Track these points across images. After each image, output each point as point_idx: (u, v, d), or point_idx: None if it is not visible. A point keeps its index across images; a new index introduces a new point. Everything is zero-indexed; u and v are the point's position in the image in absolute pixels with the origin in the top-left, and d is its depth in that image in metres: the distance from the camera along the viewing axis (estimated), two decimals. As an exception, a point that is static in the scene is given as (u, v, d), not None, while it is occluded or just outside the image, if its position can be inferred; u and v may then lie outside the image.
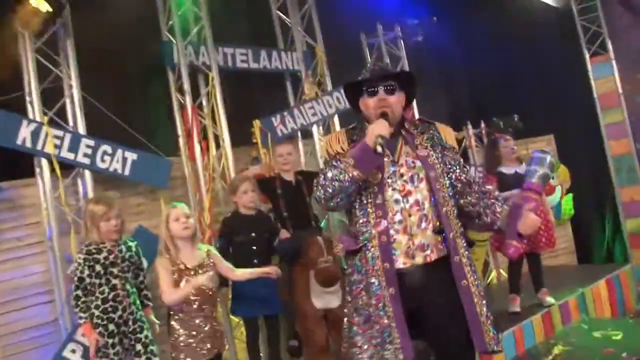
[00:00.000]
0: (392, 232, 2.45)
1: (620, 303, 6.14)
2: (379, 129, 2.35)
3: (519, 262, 5.17)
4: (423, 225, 2.47)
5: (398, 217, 2.47)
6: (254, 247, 4.43)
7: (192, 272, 3.56)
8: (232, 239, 4.45)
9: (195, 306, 3.55)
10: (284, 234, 4.62)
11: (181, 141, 5.34)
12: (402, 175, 2.50)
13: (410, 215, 2.47)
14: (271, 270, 3.89)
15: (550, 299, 5.24)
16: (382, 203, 2.46)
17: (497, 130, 7.34)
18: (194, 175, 5.26)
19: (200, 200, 5.21)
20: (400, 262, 2.45)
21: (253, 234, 4.45)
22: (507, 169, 5.17)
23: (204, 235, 5.09)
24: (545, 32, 7.57)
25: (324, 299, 4.54)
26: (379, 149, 2.30)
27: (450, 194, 2.52)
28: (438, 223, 2.47)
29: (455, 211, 2.53)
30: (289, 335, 4.83)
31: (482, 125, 7.56)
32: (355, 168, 2.35)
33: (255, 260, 4.36)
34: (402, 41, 7.10)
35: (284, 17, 6.25)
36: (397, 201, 2.48)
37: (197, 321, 3.56)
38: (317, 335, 4.56)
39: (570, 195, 7.74)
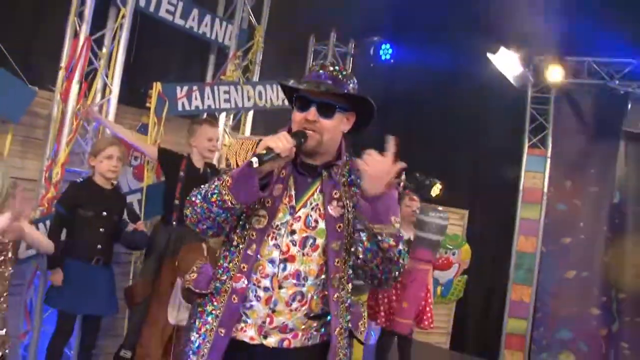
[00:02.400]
0: (250, 295, 1.83)
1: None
2: (272, 141, 1.76)
3: (389, 335, 4.65)
4: (294, 305, 1.85)
5: (265, 282, 1.83)
6: (102, 229, 3.72)
7: None
8: (76, 212, 3.68)
9: None
10: (140, 225, 3.91)
11: (60, 74, 4.35)
12: (292, 233, 1.85)
13: (280, 288, 1.84)
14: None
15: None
16: (253, 256, 1.82)
17: (413, 188, 6.93)
18: (61, 118, 4.28)
19: (58, 149, 4.22)
20: (247, 336, 1.84)
21: (104, 212, 3.74)
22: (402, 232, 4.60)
23: (46, 193, 4.11)
24: (496, 105, 7.22)
25: (182, 315, 3.73)
26: (255, 163, 1.70)
27: (349, 273, 1.90)
28: (319, 308, 1.87)
29: (349, 299, 1.92)
30: (124, 343, 4.07)
31: (403, 176, 7.07)
32: (229, 191, 1.72)
33: (99, 246, 3.69)
34: (351, 59, 6.45)
35: (228, -21, 5.43)
36: (272, 262, 1.83)
37: None
38: (154, 354, 3.83)
39: (465, 277, 7.40)
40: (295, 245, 1.86)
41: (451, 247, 7.23)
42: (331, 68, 1.90)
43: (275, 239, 1.85)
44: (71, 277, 3.59)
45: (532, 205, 7.44)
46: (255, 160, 1.70)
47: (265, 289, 1.85)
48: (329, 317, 1.88)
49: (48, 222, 3.86)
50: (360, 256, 1.84)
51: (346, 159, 1.98)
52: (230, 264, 1.85)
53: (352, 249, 1.88)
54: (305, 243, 1.87)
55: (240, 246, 1.84)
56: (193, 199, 1.84)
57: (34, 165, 4.27)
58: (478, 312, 7.80)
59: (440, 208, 4.97)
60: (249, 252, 1.83)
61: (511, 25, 6.49)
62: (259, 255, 1.84)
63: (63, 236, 3.70)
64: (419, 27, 6.42)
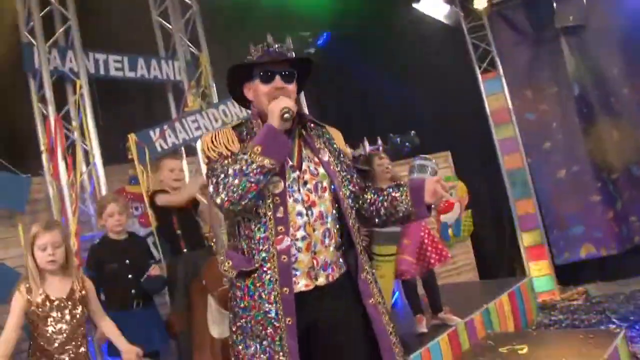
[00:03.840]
0: (293, 250, 2.10)
1: (522, 315, 6.06)
2: (284, 102, 2.08)
3: (413, 282, 4.90)
4: (327, 241, 2.16)
5: (301, 232, 2.12)
6: (130, 276, 3.95)
7: (54, 305, 2.95)
8: (103, 269, 3.93)
9: (57, 344, 2.89)
10: (155, 270, 4.09)
11: (44, 157, 4.66)
12: (305, 183, 2.17)
13: (314, 230, 2.13)
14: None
15: (455, 318, 4.99)
16: (283, 216, 2.09)
17: (395, 147, 7.24)
18: (59, 196, 4.56)
19: (67, 224, 4.51)
20: (302, 285, 2.12)
21: (127, 261, 3.98)
22: None
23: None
24: (438, 49, 7.60)
25: (225, 327, 3.99)
26: (286, 117, 2.05)
27: (352, 204, 2.24)
28: (340, 238, 2.19)
29: (357, 222, 2.25)
30: None
31: (379, 142, 7.38)
32: (264, 155, 1.99)
33: (133, 290, 3.92)
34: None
35: (165, 23, 5.75)
36: (300, 214, 2.13)
37: None
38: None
39: (469, 211, 7.73)
40: (311, 192, 2.15)
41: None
42: (276, 45, 2.24)
43: (293, 195, 2.12)
44: (120, 328, 3.83)
45: (503, 125, 7.77)
46: (287, 116, 2.04)
47: (303, 238, 2.10)
48: (344, 247, 2.22)
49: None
50: (369, 199, 2.29)
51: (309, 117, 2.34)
52: (266, 232, 2.07)
53: (355, 191, 2.29)
54: (317, 188, 2.17)
55: (269, 213, 2.07)
56: (227, 181, 1.99)
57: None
58: (493, 238, 8.10)
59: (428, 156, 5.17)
60: (278, 214, 2.07)
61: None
62: (288, 214, 2.09)
63: (102, 297, 3.96)
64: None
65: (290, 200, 2.11)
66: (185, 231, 4.35)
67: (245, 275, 2.11)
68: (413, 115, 7.27)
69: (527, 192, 7.73)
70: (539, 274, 7.54)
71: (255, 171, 1.97)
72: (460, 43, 7.75)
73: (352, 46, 7.11)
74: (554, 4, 7.22)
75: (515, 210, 7.78)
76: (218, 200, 2.02)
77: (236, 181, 1.98)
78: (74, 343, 2.98)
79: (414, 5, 7.05)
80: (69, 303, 2.99)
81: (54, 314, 2.93)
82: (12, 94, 4.77)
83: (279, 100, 2.09)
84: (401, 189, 2.24)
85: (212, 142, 2.14)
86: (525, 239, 7.71)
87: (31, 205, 4.53)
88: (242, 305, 2.12)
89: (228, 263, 2.13)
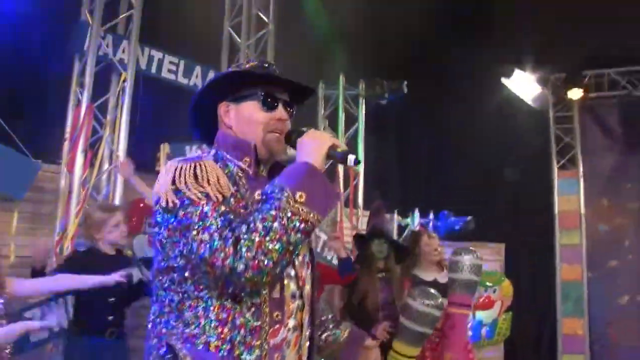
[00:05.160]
0: (284, 346, 1.52)
1: None
2: (329, 136, 1.53)
3: None
4: (307, 332, 1.61)
5: (292, 321, 1.54)
6: (112, 299, 3.38)
7: None
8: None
9: None
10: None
11: (66, 146, 4.22)
12: (297, 254, 1.56)
13: (302, 318, 1.58)
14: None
15: None
16: (279, 297, 1.50)
17: (447, 227, 6.62)
18: (68, 190, 4.11)
19: (66, 223, 4.03)
20: None
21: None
22: (424, 274, 4.20)
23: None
24: (519, 131, 6.98)
25: None
26: (351, 159, 1.48)
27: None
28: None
29: None
30: None
31: (431, 216, 6.77)
32: (309, 207, 1.39)
33: (110, 317, 3.36)
34: (363, 100, 6.27)
35: (236, 36, 5.33)
36: (293, 295, 1.56)
37: None
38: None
39: (510, 313, 6.95)
40: (302, 266, 1.60)
41: (490, 285, 6.83)
42: (274, 66, 1.67)
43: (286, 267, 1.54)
44: (86, 356, 3.31)
45: (570, 230, 7.05)
46: (352, 157, 1.48)
47: (294, 328, 1.55)
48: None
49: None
50: None
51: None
52: (260, 321, 1.48)
53: None
54: (303, 260, 1.61)
55: (264, 292, 1.48)
56: (253, 238, 1.35)
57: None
58: (529, 351, 7.29)
59: (471, 247, 4.60)
60: (274, 295, 1.50)
61: (524, 47, 6.33)
62: (284, 295, 1.53)
63: (70, 309, 3.45)
64: (430, 60, 6.25)
65: (284, 274, 1.53)
66: None
67: None
68: (475, 195, 6.68)
69: (579, 311, 6.93)
70: (574, 406, 6.65)
71: (297, 228, 1.38)
72: (543, 131, 7.12)
73: (427, 107, 6.57)
74: (655, 113, 6.52)
75: (561, 327, 7.00)
76: (233, 265, 1.34)
77: (272, 242, 1.36)
78: None
79: (503, 80, 6.46)
80: None
81: None
82: (52, 72, 4.39)
83: (321, 132, 1.55)
84: (335, 332, 1.78)
85: (195, 177, 1.44)
86: (566, 363, 6.87)
87: (36, 193, 4.08)
88: None
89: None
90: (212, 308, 1.43)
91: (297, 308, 1.55)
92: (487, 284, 6.68)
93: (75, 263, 3.44)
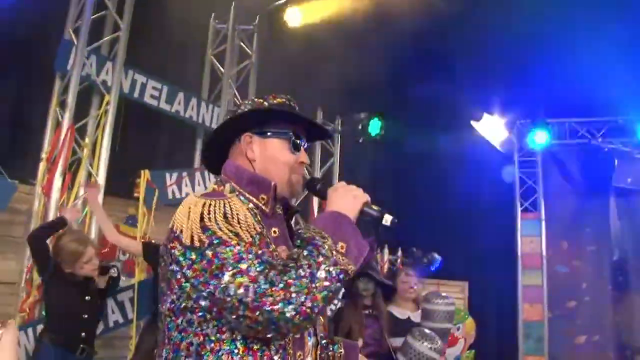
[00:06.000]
0: None
1: None
2: (362, 193, 1.55)
3: None
4: None
5: (309, 358, 1.53)
6: (85, 316, 3.40)
7: None
8: (55, 291, 3.35)
9: None
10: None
11: (41, 166, 4.07)
12: None
13: (316, 355, 1.59)
14: None
15: None
16: (300, 338, 1.48)
17: (416, 263, 6.67)
18: (43, 213, 3.94)
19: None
20: None
21: (87, 298, 3.44)
22: (399, 312, 4.24)
23: (27, 297, 3.70)
24: (484, 174, 7.16)
25: None
26: (387, 219, 1.53)
27: None
28: None
29: None
30: None
31: (399, 253, 6.83)
32: (348, 257, 1.38)
33: (83, 334, 3.35)
34: (339, 137, 6.33)
35: (218, 65, 5.33)
36: (310, 333, 1.55)
37: None
38: None
39: (473, 352, 7.00)
40: None
41: (455, 322, 6.89)
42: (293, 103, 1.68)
43: None
44: None
45: (532, 270, 7.23)
46: (389, 218, 1.51)
47: None
48: None
49: (30, 331, 3.44)
50: None
51: None
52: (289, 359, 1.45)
53: None
54: None
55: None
56: (316, 292, 1.32)
57: (13, 266, 3.88)
58: (491, 389, 7.33)
59: (444, 294, 4.66)
60: (297, 335, 1.46)
61: (493, 93, 6.57)
62: (303, 334, 1.50)
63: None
64: (403, 101, 6.40)
65: None
66: None
67: None
68: (441, 234, 6.77)
69: (539, 350, 7.06)
70: None
71: (338, 278, 1.35)
72: (507, 174, 7.33)
73: (398, 145, 6.69)
74: (616, 161, 6.83)
75: (522, 366, 7.05)
76: (283, 310, 1.29)
77: (318, 289, 1.32)
78: None
79: (473, 122, 6.67)
80: None
81: None
82: (30, 89, 4.25)
83: (355, 187, 1.56)
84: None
85: (224, 215, 1.40)
86: (526, 401, 6.94)
87: (8, 214, 3.89)
88: None
89: None
90: (236, 351, 1.37)
91: (312, 345, 1.54)
92: (451, 330, 6.74)
93: (54, 279, 3.33)
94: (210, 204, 1.39)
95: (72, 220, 3.69)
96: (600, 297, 7.05)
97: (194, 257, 1.34)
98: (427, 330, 3.74)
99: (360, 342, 3.42)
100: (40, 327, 3.49)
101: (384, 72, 5.94)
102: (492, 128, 6.84)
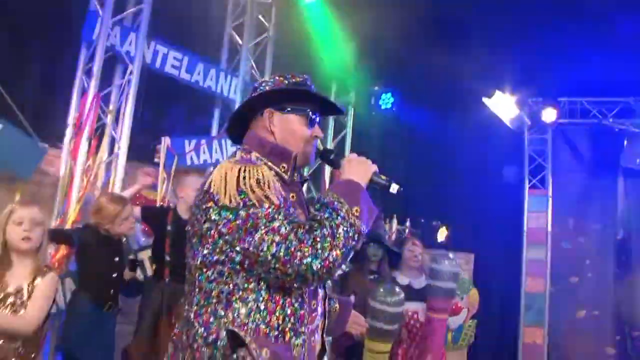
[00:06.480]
0: (316, 330, 1.71)
1: None
2: (371, 164, 1.74)
3: None
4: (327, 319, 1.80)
5: (320, 308, 1.71)
6: (114, 275, 3.54)
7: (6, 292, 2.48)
8: (86, 253, 3.49)
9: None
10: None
11: (68, 131, 4.33)
12: None
13: (325, 306, 1.76)
14: None
15: None
16: (314, 289, 1.67)
17: (418, 234, 6.90)
18: (70, 176, 4.21)
19: (67, 208, 4.14)
20: None
21: (116, 259, 3.57)
22: (401, 278, 4.47)
23: (56, 253, 4.00)
24: (496, 149, 7.32)
25: None
26: (394, 188, 1.73)
27: None
28: None
29: None
30: None
31: (408, 223, 7.06)
32: (361, 220, 1.57)
33: (112, 291, 3.50)
34: (353, 109, 6.51)
35: (237, 38, 5.51)
36: (321, 285, 1.73)
37: None
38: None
39: (475, 321, 7.24)
40: None
41: (459, 292, 7.11)
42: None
43: None
44: (85, 324, 3.41)
45: (537, 245, 7.40)
46: (396, 187, 1.72)
47: (322, 315, 1.73)
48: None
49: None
50: None
51: None
52: (303, 309, 1.63)
53: None
54: None
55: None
56: (337, 249, 1.52)
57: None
58: (491, 357, 7.61)
59: (451, 255, 4.87)
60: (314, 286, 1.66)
61: (506, 70, 6.67)
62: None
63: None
64: (416, 76, 6.54)
65: None
66: (175, 259, 3.80)
67: None
68: (451, 207, 6.98)
69: (540, 321, 7.27)
70: (529, 412, 6.99)
71: (354, 238, 1.56)
72: (518, 151, 7.46)
73: (410, 120, 6.85)
74: (625, 141, 6.93)
75: (522, 336, 7.31)
76: (311, 263, 1.48)
77: (339, 246, 1.52)
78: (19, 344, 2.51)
79: (484, 99, 6.79)
80: (17, 299, 2.54)
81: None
82: (58, 58, 4.49)
83: (365, 159, 1.75)
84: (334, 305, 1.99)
85: (258, 182, 1.57)
86: (525, 370, 7.20)
87: (39, 175, 4.17)
88: None
89: (266, 352, 1.55)
90: (261, 298, 1.55)
91: (322, 297, 1.72)
92: (456, 291, 6.98)
93: (84, 239, 3.54)
94: (245, 169, 1.56)
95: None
96: (603, 274, 7.21)
97: (229, 216, 1.52)
98: (388, 286, 3.87)
99: (352, 299, 3.65)
100: (67, 280, 3.80)
101: (397, 48, 6.09)
102: (504, 105, 6.95)
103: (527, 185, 7.50)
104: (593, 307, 7.20)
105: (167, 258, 3.84)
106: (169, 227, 3.91)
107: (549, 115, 7.13)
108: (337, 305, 1.96)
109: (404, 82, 6.48)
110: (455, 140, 7.17)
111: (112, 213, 3.51)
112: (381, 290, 3.81)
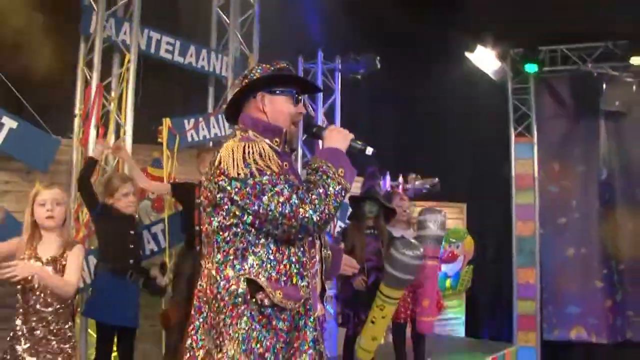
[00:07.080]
0: (316, 274, 2.06)
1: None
2: (348, 133, 2.09)
3: (403, 325, 4.84)
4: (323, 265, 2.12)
5: (318, 256, 2.06)
6: (132, 246, 3.91)
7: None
8: (106, 225, 3.85)
9: (38, 306, 2.84)
10: (155, 271, 4.11)
11: (76, 122, 4.66)
12: None
13: (321, 254, 2.09)
14: None
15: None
16: (312, 240, 2.03)
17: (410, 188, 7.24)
18: (83, 162, 4.55)
19: (82, 192, 4.50)
20: (319, 310, 2.04)
21: (132, 232, 3.93)
22: (395, 231, 4.84)
23: (78, 233, 4.39)
24: (480, 101, 7.59)
25: None
26: (369, 150, 2.06)
27: None
28: None
29: None
30: None
31: (400, 179, 7.40)
32: (346, 179, 1.92)
33: (131, 261, 3.86)
34: (339, 74, 6.79)
35: (224, 17, 5.76)
36: (317, 237, 2.09)
37: (33, 324, 2.84)
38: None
39: (471, 267, 7.70)
40: None
41: (454, 240, 7.52)
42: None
43: None
44: (109, 290, 3.74)
45: (525, 190, 7.78)
46: (370, 150, 2.05)
47: (319, 261, 2.05)
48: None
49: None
50: None
51: None
52: (305, 256, 1.96)
53: None
54: None
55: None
56: (320, 198, 1.85)
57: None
58: (488, 299, 8.08)
59: (437, 208, 5.15)
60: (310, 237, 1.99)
61: (485, 24, 6.89)
62: (314, 237, 2.02)
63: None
64: (398, 38, 6.77)
65: None
66: None
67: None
68: (440, 160, 7.29)
69: (531, 262, 7.73)
70: (525, 344, 7.50)
71: (341, 193, 1.91)
72: (502, 101, 7.76)
73: (397, 79, 7.11)
74: (604, 85, 7.21)
75: (515, 276, 7.77)
76: (312, 217, 1.82)
77: (332, 204, 1.87)
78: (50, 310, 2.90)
79: (467, 54, 7.05)
80: (53, 267, 2.92)
81: None
82: (58, 53, 4.75)
83: (343, 129, 2.11)
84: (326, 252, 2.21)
85: (260, 155, 1.89)
86: (520, 307, 7.70)
87: (54, 165, 4.52)
88: (282, 338, 1.87)
89: (280, 294, 1.86)
90: (270, 251, 1.89)
91: (319, 246, 2.08)
92: (451, 239, 7.38)
93: (105, 211, 3.88)
94: (248, 145, 1.88)
95: (97, 155, 4.11)
96: (588, 213, 7.63)
97: (239, 185, 1.83)
98: (408, 240, 4.22)
99: (342, 246, 4.02)
100: (90, 259, 4.18)
101: (378, 11, 6.31)
102: (486, 59, 7.21)
103: (512, 134, 7.82)
104: (581, 245, 7.64)
105: (197, 228, 4.20)
106: (197, 200, 4.24)
107: (531, 65, 7.39)
108: (329, 252, 2.24)
109: (388, 45, 6.71)
110: (443, 96, 7.44)
111: (114, 187, 3.87)
112: (402, 242, 4.15)
